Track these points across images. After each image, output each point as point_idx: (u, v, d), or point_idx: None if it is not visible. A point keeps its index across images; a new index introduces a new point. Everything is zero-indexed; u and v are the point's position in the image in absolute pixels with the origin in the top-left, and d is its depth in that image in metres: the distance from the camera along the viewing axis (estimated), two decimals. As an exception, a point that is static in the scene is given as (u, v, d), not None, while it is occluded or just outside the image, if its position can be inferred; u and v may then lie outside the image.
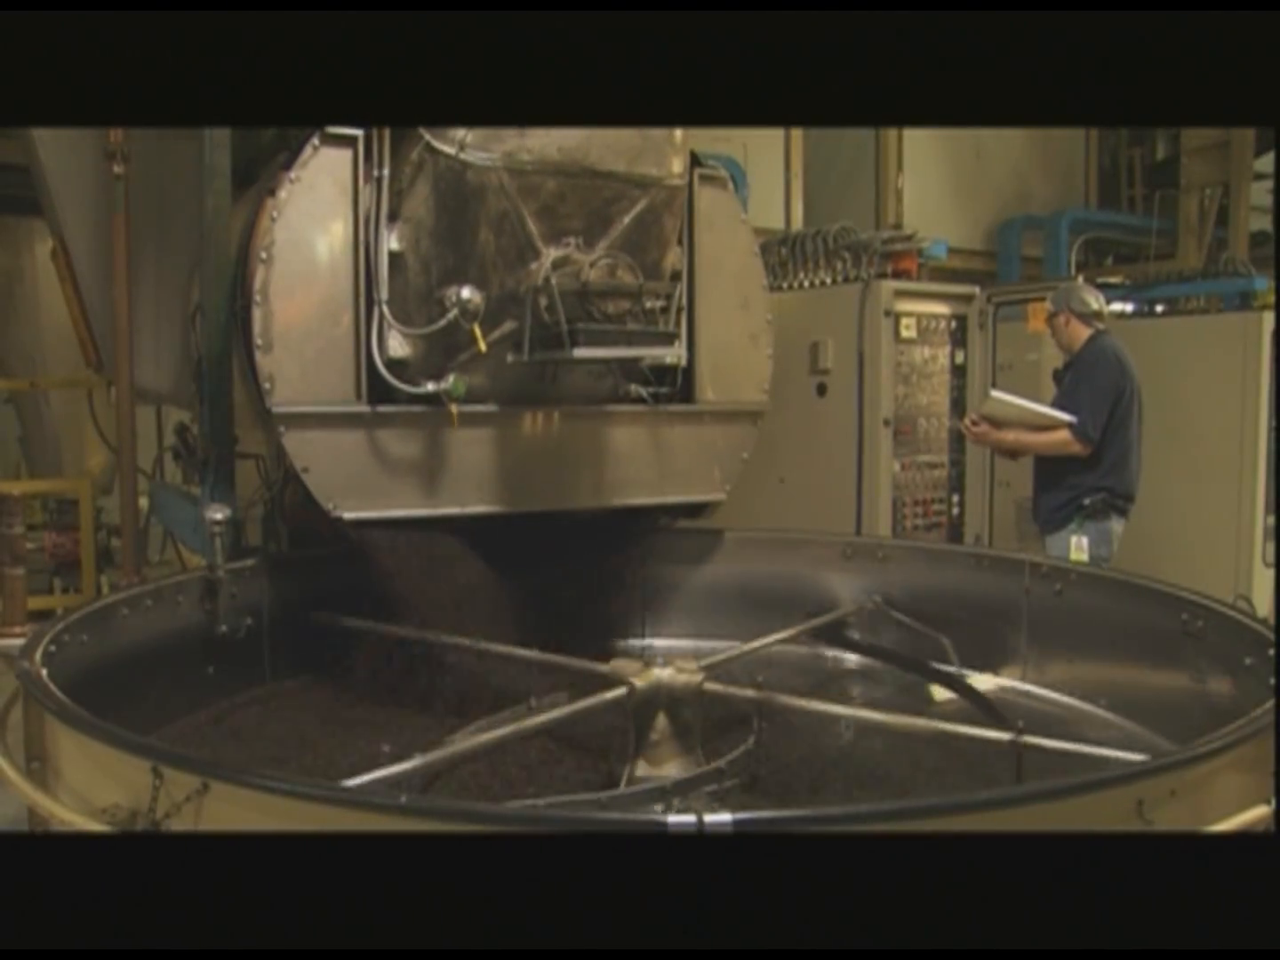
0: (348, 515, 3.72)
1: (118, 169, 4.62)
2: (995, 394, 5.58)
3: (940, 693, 3.93)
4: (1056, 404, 5.27)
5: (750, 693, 3.30)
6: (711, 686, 3.21)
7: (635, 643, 4.58)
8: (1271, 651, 2.94)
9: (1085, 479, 5.17)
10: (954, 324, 6.53)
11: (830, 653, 4.46)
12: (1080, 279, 6.92)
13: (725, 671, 3.60)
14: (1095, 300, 5.41)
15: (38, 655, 2.80)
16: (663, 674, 3.15)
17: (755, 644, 3.95)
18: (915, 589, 4.36)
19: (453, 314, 3.53)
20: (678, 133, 3.70)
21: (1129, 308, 8.38)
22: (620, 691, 3.12)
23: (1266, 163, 11.02)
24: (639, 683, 3.11)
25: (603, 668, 3.35)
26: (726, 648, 3.83)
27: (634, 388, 4.12)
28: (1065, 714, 3.74)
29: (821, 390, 6.42)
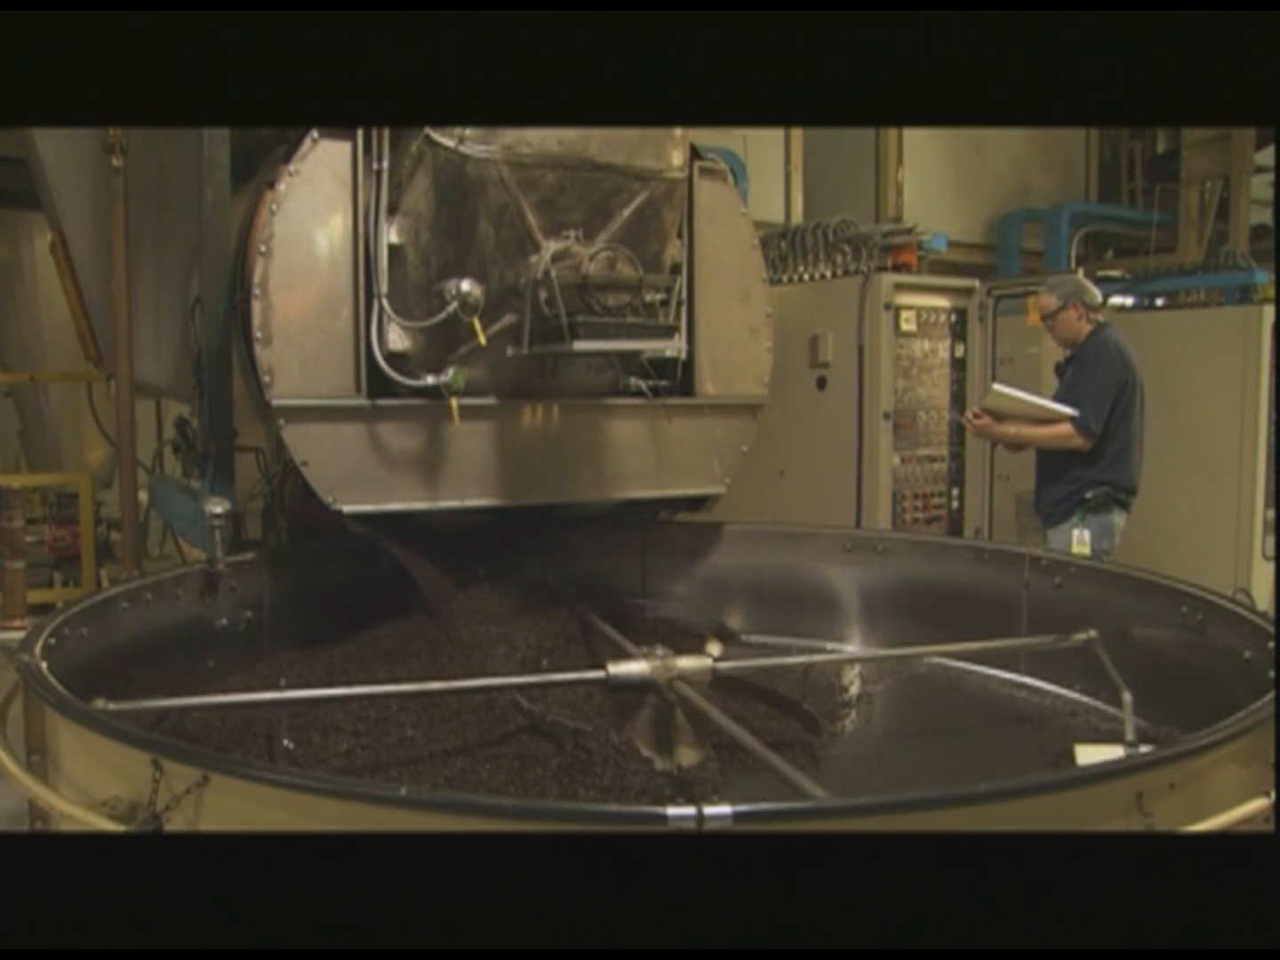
0: (347, 509, 3.72)
1: (116, 162, 4.63)
2: (997, 387, 5.57)
3: (1085, 754, 3.25)
4: (1059, 397, 5.27)
5: (718, 713, 3.05)
6: (681, 685, 3.11)
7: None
8: (1271, 644, 2.95)
9: (1087, 472, 5.16)
10: (954, 317, 6.52)
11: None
12: (1080, 272, 6.91)
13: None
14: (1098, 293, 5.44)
15: (38, 648, 2.81)
16: (646, 665, 3.14)
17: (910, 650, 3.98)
18: (914, 582, 4.36)
19: (452, 307, 3.52)
20: (677, 126, 3.70)
21: (1129, 301, 8.37)
22: (598, 674, 3.14)
23: (1267, 156, 11.00)
24: (614, 670, 3.12)
25: (624, 643, 3.39)
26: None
27: (633, 381, 4.10)
28: (1064, 706, 3.75)
29: (821, 383, 6.41)
